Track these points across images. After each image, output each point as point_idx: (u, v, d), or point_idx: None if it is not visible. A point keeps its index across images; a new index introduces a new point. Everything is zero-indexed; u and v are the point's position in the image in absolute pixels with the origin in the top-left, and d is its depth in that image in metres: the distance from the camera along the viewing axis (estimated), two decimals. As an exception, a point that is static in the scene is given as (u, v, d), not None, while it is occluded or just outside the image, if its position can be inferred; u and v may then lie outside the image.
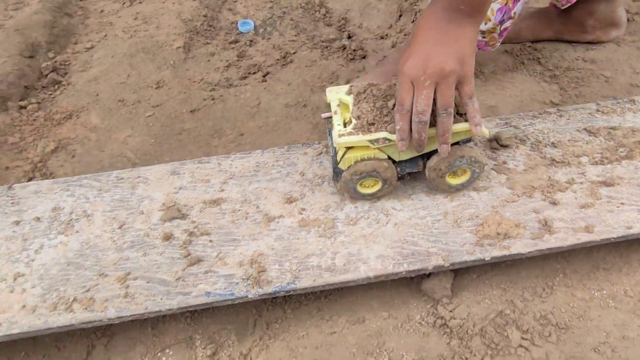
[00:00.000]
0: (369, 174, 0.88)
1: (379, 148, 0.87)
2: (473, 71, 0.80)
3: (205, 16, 1.57)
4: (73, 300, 0.83)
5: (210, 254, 0.87)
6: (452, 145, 0.86)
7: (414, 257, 0.85)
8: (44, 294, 0.83)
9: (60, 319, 0.81)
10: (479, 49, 1.19)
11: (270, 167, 0.98)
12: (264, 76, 1.38)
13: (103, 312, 0.81)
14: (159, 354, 0.91)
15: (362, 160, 0.87)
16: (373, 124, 0.85)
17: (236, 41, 1.50)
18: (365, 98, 0.88)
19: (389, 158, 0.89)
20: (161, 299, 0.83)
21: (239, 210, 0.92)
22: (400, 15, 1.54)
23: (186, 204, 0.92)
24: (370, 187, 0.93)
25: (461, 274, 0.94)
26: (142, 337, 0.94)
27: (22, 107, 1.29)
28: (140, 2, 1.69)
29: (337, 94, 0.91)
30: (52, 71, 1.41)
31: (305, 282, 0.83)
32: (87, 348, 0.93)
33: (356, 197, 0.94)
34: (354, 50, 1.42)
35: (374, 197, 0.94)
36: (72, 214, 0.92)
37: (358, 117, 0.86)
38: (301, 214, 0.90)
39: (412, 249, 0.86)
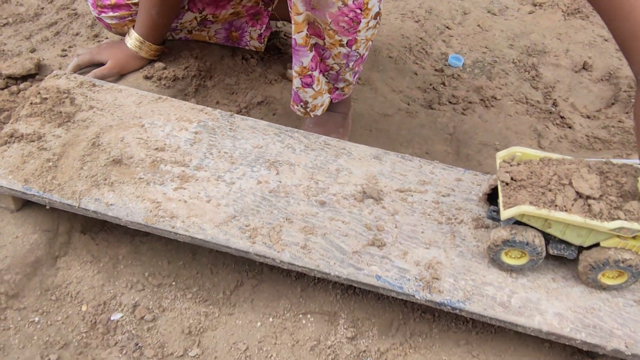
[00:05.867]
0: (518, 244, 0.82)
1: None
2: None
3: (421, 39, 1.63)
4: (257, 231, 0.87)
5: (391, 242, 0.87)
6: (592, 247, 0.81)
7: (594, 331, 0.79)
8: (234, 215, 0.88)
9: (240, 243, 0.85)
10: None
11: (468, 187, 0.97)
12: (464, 110, 1.39)
13: (279, 252, 0.85)
14: (301, 315, 0.93)
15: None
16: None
17: (441, 70, 1.53)
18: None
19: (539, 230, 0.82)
20: (334, 263, 0.84)
21: (429, 215, 0.92)
22: (613, 104, 1.48)
23: (382, 189, 0.94)
24: (516, 259, 0.85)
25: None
26: (288, 293, 0.96)
27: (244, 59, 1.40)
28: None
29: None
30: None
31: (476, 307, 0.81)
32: (236, 282, 0.98)
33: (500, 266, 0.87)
34: (561, 117, 1.39)
35: (516, 270, 0.86)
36: (277, 157, 0.97)
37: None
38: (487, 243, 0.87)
39: (595, 322, 0.80)
